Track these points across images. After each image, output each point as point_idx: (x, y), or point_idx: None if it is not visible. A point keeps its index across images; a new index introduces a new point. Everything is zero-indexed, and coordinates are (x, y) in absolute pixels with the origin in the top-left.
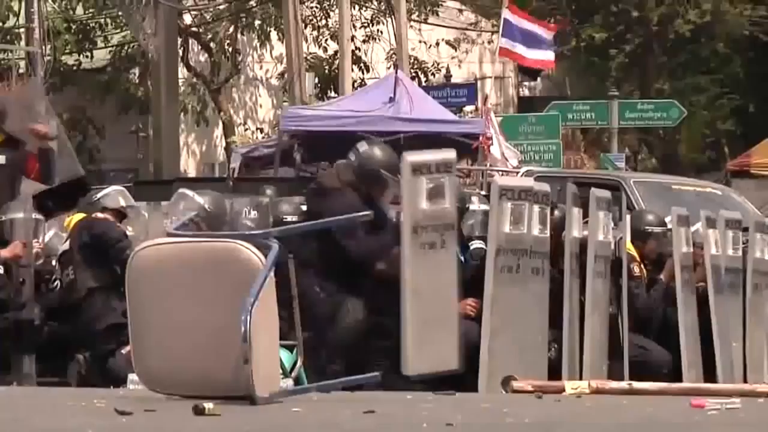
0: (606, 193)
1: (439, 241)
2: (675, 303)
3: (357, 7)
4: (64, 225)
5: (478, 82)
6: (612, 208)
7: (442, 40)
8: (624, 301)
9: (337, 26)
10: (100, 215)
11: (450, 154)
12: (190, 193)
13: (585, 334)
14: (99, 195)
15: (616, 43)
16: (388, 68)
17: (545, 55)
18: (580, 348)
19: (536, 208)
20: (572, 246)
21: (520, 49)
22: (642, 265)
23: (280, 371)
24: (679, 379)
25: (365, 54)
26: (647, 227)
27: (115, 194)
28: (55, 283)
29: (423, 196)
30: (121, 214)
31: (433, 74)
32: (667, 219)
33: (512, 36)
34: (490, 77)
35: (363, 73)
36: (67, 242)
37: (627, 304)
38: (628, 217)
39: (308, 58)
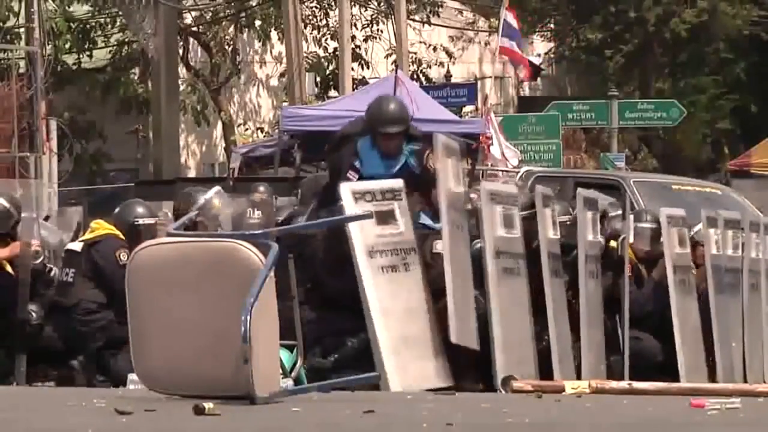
0: (593, 193)
1: (401, 265)
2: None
3: (357, 6)
4: (91, 225)
5: (478, 82)
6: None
7: (441, 45)
8: (625, 300)
9: (338, 26)
10: (124, 253)
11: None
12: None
13: (581, 334)
14: (140, 216)
15: (615, 44)
16: (390, 70)
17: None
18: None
19: (499, 208)
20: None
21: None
22: (638, 264)
23: (280, 371)
24: (675, 372)
25: (365, 52)
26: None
27: (160, 231)
28: (52, 273)
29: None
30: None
31: (429, 67)
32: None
33: (512, 36)
34: (490, 77)
35: (363, 69)
36: (74, 243)
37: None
38: (631, 217)
39: (308, 57)
